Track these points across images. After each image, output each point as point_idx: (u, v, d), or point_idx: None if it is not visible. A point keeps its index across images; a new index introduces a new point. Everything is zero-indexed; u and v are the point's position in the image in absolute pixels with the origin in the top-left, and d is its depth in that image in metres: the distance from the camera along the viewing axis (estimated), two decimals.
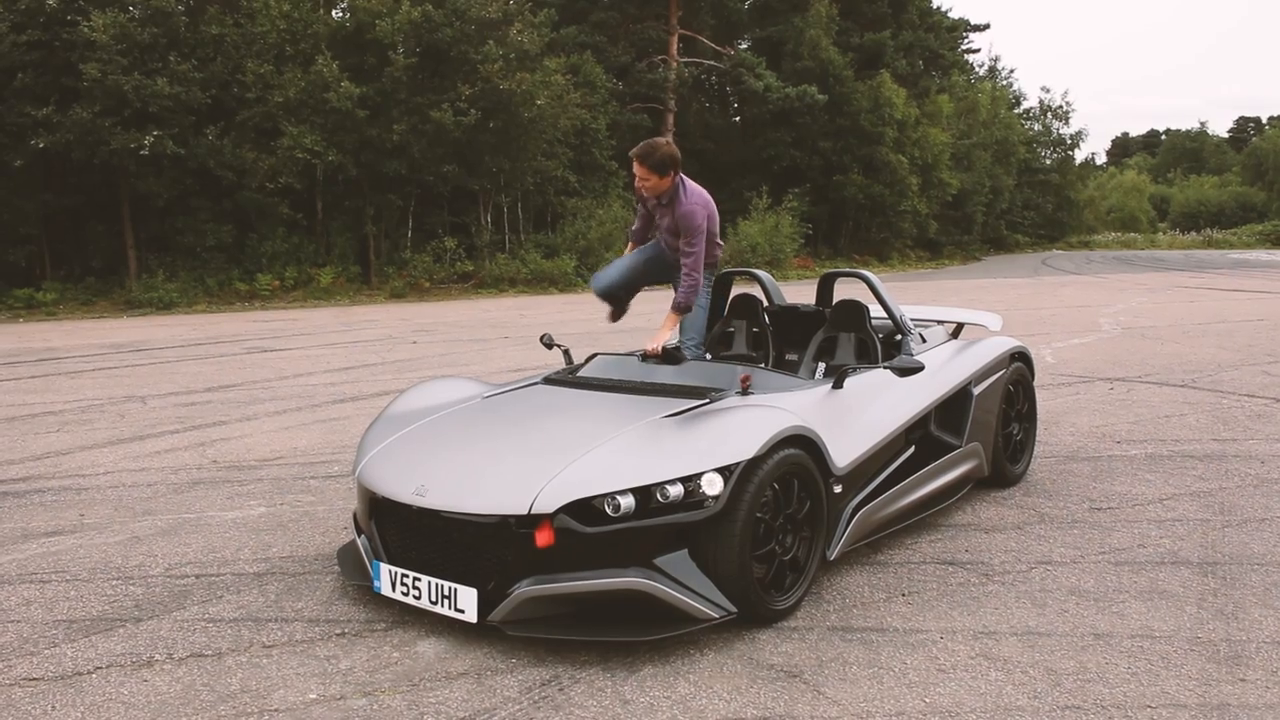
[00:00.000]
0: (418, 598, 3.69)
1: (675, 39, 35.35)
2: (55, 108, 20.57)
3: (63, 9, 21.44)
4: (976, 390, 5.38)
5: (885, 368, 4.80)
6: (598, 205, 29.57)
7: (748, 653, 3.54)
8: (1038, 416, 6.27)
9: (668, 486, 3.50)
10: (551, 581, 3.47)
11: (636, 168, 5.06)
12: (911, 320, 5.75)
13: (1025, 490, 5.68)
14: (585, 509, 3.48)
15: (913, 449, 4.87)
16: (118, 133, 20.69)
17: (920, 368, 4.70)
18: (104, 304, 21.62)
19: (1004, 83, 55.67)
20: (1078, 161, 60.83)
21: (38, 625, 3.86)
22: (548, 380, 4.95)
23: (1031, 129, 56.47)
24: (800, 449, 3.89)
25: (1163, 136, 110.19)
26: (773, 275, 6.67)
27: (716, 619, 3.54)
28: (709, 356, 5.78)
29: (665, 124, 34.49)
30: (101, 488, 5.99)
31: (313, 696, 3.24)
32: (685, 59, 35.79)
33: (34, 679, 3.39)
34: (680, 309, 5.15)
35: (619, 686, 3.28)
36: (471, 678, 3.36)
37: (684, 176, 5.19)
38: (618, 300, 5.76)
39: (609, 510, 3.47)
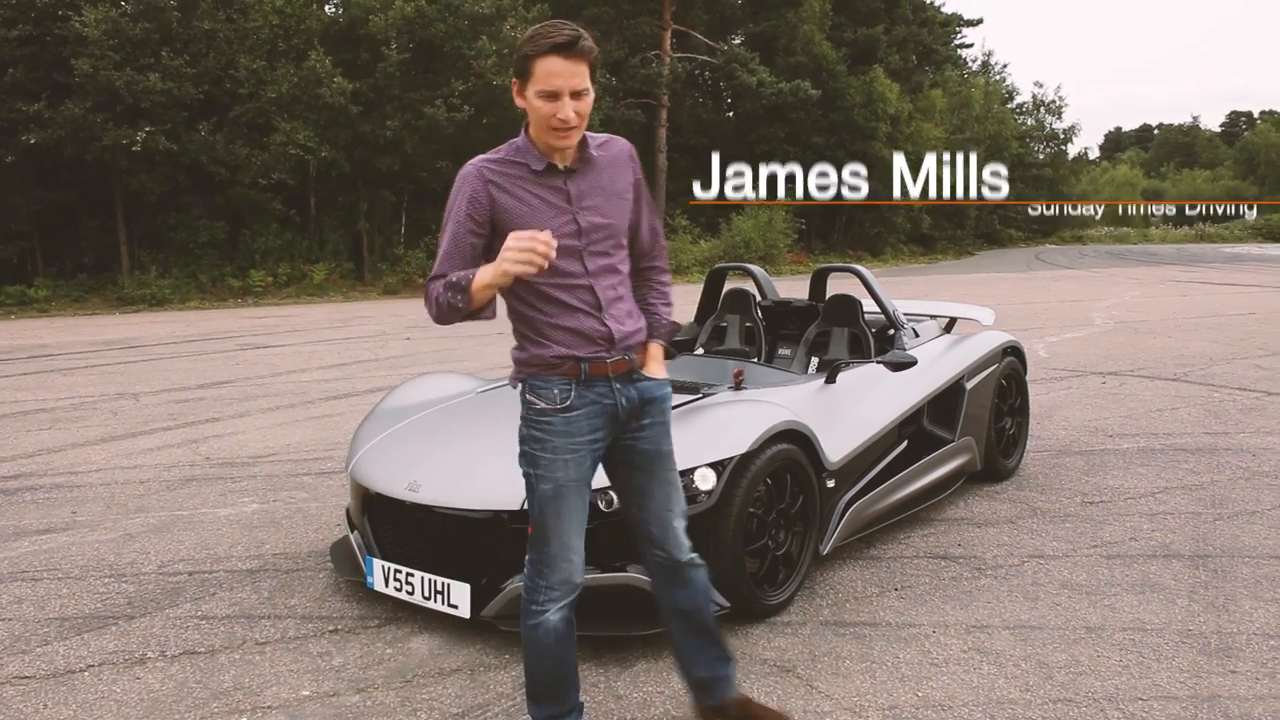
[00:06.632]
0: (411, 593, 3.69)
1: (668, 34, 35.29)
2: (47, 103, 20.49)
3: (54, 4, 21.36)
4: (969, 385, 5.38)
5: (878, 362, 4.80)
6: None
7: (741, 647, 3.54)
8: (1030, 410, 6.28)
9: None
10: None
11: (560, 64, 2.43)
12: (904, 315, 5.75)
13: (1018, 484, 5.68)
14: None
15: (905, 443, 4.88)
16: (110, 128, 20.61)
17: (913, 362, 4.70)
18: (96, 300, 21.56)
19: (997, 77, 55.72)
20: (1071, 156, 60.90)
21: (29, 623, 3.85)
22: None
23: (1024, 124, 56.51)
24: (793, 444, 3.89)
25: (1155, 131, 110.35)
26: (766, 270, 6.66)
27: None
28: (701, 352, 5.78)
29: (659, 119, 34.47)
30: (94, 485, 5.97)
31: (306, 693, 3.24)
32: (679, 54, 35.74)
33: (26, 677, 3.38)
34: (670, 334, 3.11)
35: (612, 682, 3.28)
36: (465, 674, 3.36)
37: None
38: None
39: (602, 505, 3.46)
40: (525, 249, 2.37)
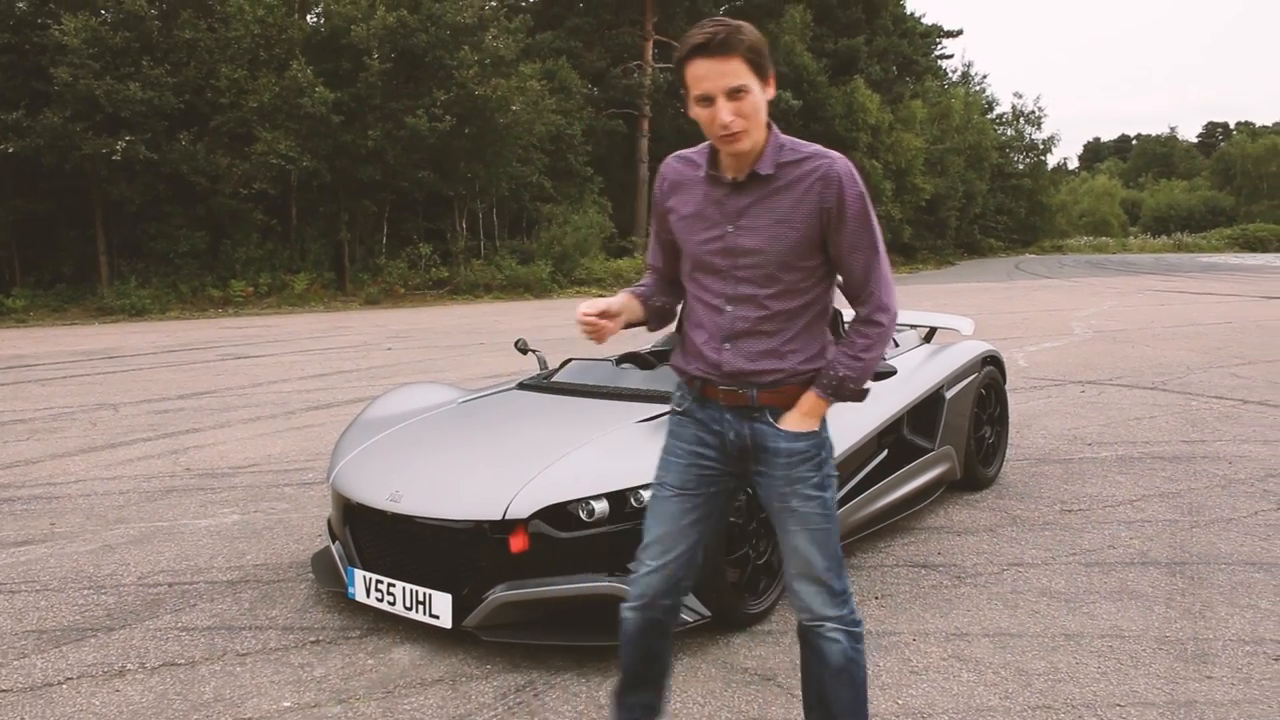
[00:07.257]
0: (392, 603, 3.68)
1: (650, 44, 35.43)
2: (25, 112, 20.37)
3: (33, 12, 21.28)
4: (949, 394, 5.42)
5: None
6: (573, 211, 29.59)
7: (722, 656, 3.55)
8: (1010, 420, 6.33)
9: (641, 491, 3.50)
10: (526, 586, 3.47)
11: (705, 65, 2.21)
12: None
13: (997, 493, 5.72)
14: (559, 514, 3.48)
15: (885, 453, 4.91)
16: (89, 138, 20.51)
17: (893, 372, 4.73)
18: (75, 310, 21.40)
19: (977, 88, 56.17)
20: (1050, 166, 61.42)
21: (7, 636, 3.82)
22: (522, 385, 4.95)
23: (1004, 134, 56.97)
24: None
25: (1133, 141, 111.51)
26: None
27: (691, 623, 3.54)
28: None
29: (641, 129, 34.57)
30: (73, 496, 5.93)
31: (287, 704, 3.23)
32: (660, 64, 35.85)
33: (3, 691, 3.36)
34: (835, 392, 2.56)
35: (594, 691, 3.29)
36: (446, 684, 3.35)
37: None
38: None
39: (583, 515, 3.48)
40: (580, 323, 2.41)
